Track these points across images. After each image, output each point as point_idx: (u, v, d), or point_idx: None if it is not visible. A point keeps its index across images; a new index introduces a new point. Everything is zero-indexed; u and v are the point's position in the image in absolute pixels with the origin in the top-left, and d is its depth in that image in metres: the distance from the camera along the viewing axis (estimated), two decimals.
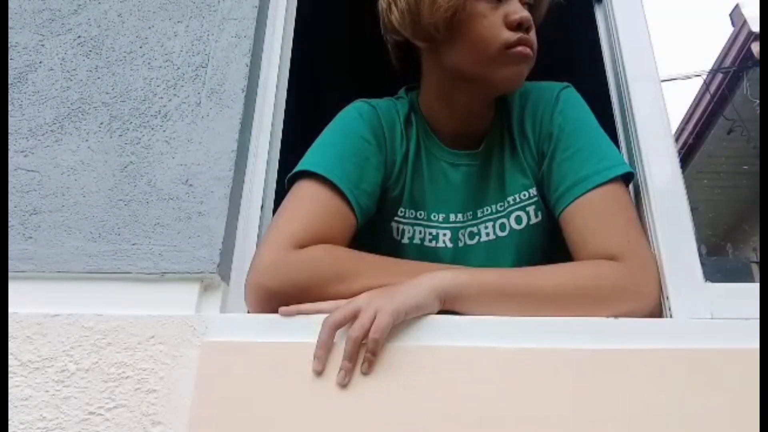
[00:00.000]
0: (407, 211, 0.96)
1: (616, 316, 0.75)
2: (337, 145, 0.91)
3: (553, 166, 0.89)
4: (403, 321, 0.73)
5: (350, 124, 0.95)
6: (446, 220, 0.96)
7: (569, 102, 0.92)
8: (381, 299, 0.72)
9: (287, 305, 0.76)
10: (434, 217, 0.96)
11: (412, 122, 0.99)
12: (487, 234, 0.94)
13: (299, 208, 0.84)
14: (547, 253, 0.95)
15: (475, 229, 0.95)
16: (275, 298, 0.76)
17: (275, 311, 0.76)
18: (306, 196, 0.85)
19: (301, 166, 0.87)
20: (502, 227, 0.94)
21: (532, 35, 0.87)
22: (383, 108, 0.98)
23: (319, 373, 0.70)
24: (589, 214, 0.82)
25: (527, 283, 0.77)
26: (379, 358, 0.71)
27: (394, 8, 0.90)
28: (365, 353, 0.70)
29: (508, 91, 0.94)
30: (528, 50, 0.85)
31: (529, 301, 0.76)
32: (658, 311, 0.78)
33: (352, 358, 0.70)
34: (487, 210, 0.96)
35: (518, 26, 0.84)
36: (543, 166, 0.92)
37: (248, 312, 0.81)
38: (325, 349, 0.71)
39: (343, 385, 0.69)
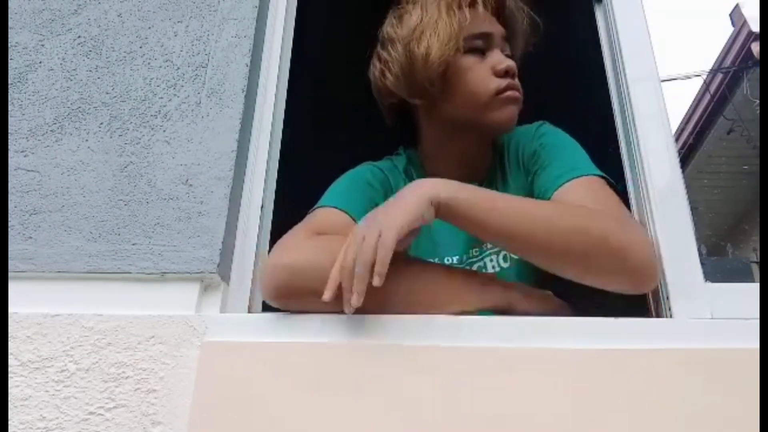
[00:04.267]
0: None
1: (600, 279, 0.75)
2: (343, 186, 0.97)
3: (536, 177, 0.93)
4: (406, 321, 0.73)
5: (357, 173, 1.01)
6: (460, 261, 0.97)
7: (548, 128, 1.00)
8: (380, 218, 0.73)
9: (305, 286, 0.75)
10: (447, 261, 0.97)
11: (412, 174, 1.04)
12: (493, 267, 0.96)
13: (311, 220, 0.88)
14: (551, 280, 0.94)
15: (481, 263, 0.97)
16: (296, 275, 0.75)
17: (292, 294, 0.76)
18: (315, 215, 0.89)
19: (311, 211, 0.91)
20: (505, 258, 0.95)
21: (517, 81, 0.95)
22: (385, 165, 1.05)
23: (328, 298, 0.72)
24: (572, 198, 0.82)
25: (520, 205, 0.78)
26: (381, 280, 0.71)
27: (387, 73, 0.97)
28: (375, 270, 0.70)
29: (502, 132, 1.01)
30: (517, 93, 0.93)
31: (518, 222, 0.75)
32: (648, 286, 0.78)
33: (364, 280, 0.70)
34: (490, 244, 0.96)
35: (505, 73, 0.93)
36: (530, 183, 0.95)
37: (264, 301, 0.82)
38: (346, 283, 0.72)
39: (356, 307, 0.70)
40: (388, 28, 1.00)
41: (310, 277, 0.75)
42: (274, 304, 0.79)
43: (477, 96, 0.92)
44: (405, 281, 0.77)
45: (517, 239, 0.76)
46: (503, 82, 0.92)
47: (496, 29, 0.96)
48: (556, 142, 0.95)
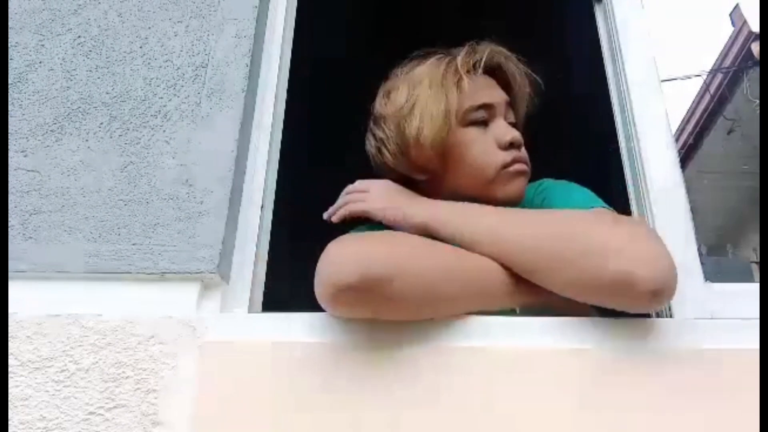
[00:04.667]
0: None
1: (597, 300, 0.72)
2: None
3: None
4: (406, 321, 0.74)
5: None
6: None
7: (550, 182, 0.96)
8: (381, 201, 0.86)
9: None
10: None
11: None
12: None
13: None
14: None
15: None
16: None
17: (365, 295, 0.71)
18: None
19: None
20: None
21: (524, 151, 0.90)
22: None
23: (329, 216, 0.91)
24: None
25: (500, 232, 0.77)
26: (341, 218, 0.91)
27: (384, 150, 0.93)
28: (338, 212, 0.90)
29: (511, 205, 0.94)
30: (524, 166, 0.89)
31: (501, 254, 0.76)
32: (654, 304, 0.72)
33: (338, 206, 0.91)
34: None
35: (510, 145, 0.87)
36: None
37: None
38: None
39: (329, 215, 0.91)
40: (378, 105, 0.96)
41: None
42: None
43: (482, 171, 0.87)
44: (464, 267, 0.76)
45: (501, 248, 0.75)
46: (509, 156, 0.87)
47: (498, 97, 0.91)
48: (559, 187, 0.92)
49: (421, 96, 0.88)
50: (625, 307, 0.71)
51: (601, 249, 0.69)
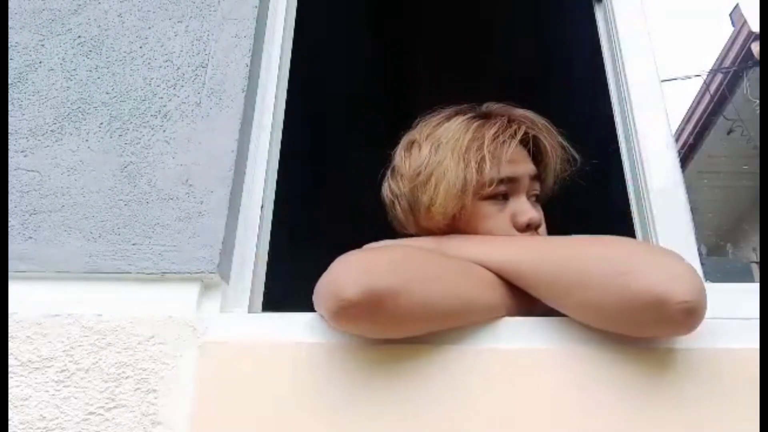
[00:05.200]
0: None
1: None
2: None
3: None
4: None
5: None
6: None
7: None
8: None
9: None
10: None
11: None
12: None
13: None
14: None
15: None
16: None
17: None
18: None
19: None
20: None
21: (543, 230, 0.85)
22: None
23: None
24: None
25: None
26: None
27: (397, 206, 0.88)
28: None
29: None
30: None
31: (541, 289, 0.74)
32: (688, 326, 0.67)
33: None
34: None
35: (527, 227, 0.82)
36: None
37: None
38: None
39: None
40: (398, 157, 0.90)
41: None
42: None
43: None
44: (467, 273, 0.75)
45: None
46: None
47: (525, 171, 0.85)
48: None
49: (441, 164, 0.81)
50: (656, 328, 0.68)
51: (628, 268, 0.66)
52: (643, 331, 0.70)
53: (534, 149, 0.87)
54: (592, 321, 0.72)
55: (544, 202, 0.89)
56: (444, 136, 0.84)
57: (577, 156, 0.88)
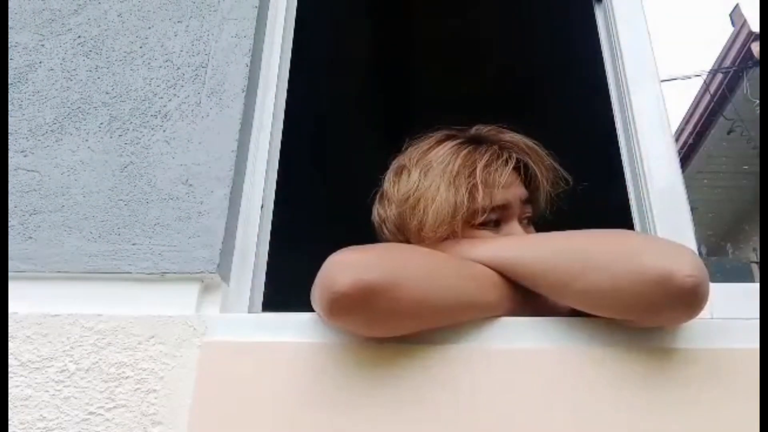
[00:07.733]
0: None
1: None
2: None
3: None
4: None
5: None
6: None
7: None
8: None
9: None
10: None
11: None
12: None
13: None
14: None
15: None
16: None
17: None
18: None
19: None
20: None
21: None
22: None
23: None
24: None
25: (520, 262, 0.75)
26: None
27: (385, 229, 0.89)
28: None
29: None
30: None
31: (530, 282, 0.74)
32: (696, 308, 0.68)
33: None
34: None
35: None
36: None
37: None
38: None
39: None
40: (387, 182, 0.90)
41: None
42: None
43: None
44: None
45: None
46: None
47: (516, 195, 0.85)
48: None
49: (430, 189, 0.81)
50: (663, 308, 0.68)
51: (635, 249, 0.68)
52: (649, 313, 0.69)
53: (524, 173, 0.88)
54: (597, 306, 0.71)
55: (537, 221, 0.89)
56: (434, 160, 0.84)
57: (568, 177, 0.89)
